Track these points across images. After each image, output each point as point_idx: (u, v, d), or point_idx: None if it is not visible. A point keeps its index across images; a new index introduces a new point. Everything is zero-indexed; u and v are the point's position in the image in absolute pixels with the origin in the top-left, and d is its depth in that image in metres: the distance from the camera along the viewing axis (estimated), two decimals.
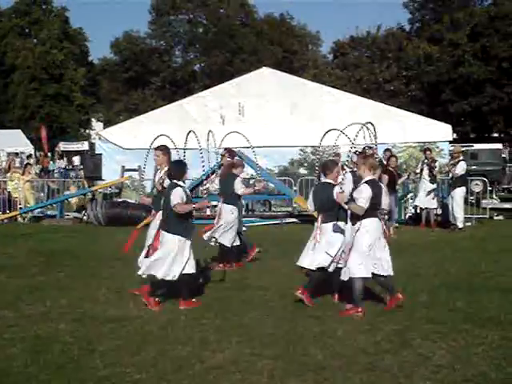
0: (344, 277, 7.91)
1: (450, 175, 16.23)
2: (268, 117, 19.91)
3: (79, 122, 61.33)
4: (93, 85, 63.47)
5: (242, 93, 20.44)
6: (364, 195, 7.79)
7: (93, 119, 66.32)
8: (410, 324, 7.31)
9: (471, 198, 18.80)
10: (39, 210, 19.17)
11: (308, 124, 19.29)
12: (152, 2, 64.82)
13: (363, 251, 7.78)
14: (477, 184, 20.75)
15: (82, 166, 33.27)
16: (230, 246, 11.01)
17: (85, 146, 47.26)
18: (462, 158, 16.41)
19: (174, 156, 9.83)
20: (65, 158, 41.78)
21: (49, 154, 39.41)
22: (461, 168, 15.88)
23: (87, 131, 64.68)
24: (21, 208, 19.01)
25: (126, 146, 19.72)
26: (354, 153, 10.30)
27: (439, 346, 6.51)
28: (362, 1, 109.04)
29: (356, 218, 7.89)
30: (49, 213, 19.30)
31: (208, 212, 16.97)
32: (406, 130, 19.55)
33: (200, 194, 16.59)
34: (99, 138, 22.19)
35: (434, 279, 9.87)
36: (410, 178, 17.88)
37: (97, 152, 21.84)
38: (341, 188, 8.20)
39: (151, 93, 62.49)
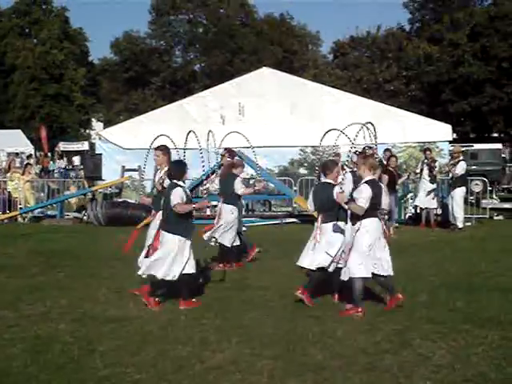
0: (344, 277, 7.92)
1: (450, 175, 16.23)
2: (268, 117, 19.92)
3: (79, 122, 61.34)
4: (93, 85, 63.47)
5: (242, 93, 20.45)
6: (364, 195, 7.79)
7: (93, 119, 66.34)
8: (410, 324, 7.31)
9: (471, 197, 18.80)
10: (39, 210, 19.17)
11: (308, 124, 19.30)
12: (152, 1, 64.87)
13: (363, 251, 7.78)
14: (477, 184, 20.76)
15: (82, 166, 33.30)
16: (230, 246, 11.01)
17: (85, 146, 47.29)
18: (461, 157, 16.41)
19: (174, 156, 9.83)
20: (65, 158, 41.78)
21: (49, 154, 39.43)
22: (461, 168, 15.88)
23: (87, 131, 64.69)
24: (21, 208, 19.01)
25: (126, 146, 19.72)
26: (354, 153, 10.30)
27: (439, 346, 6.52)
28: (362, 1, 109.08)
29: (356, 218, 7.89)
30: (49, 213, 19.30)
31: (208, 212, 16.98)
32: (406, 129, 19.56)
33: (200, 194, 16.59)
34: (99, 138, 22.20)
35: (433, 279, 9.87)
36: (410, 178, 17.88)
37: (97, 152, 21.84)
38: (341, 188, 8.20)
39: (151, 93, 62.49)
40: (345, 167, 10.59)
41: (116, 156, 20.22)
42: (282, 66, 49.76)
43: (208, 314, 7.78)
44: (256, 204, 19.91)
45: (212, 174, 13.47)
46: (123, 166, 19.16)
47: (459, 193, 15.84)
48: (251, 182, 16.79)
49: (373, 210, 7.83)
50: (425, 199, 16.69)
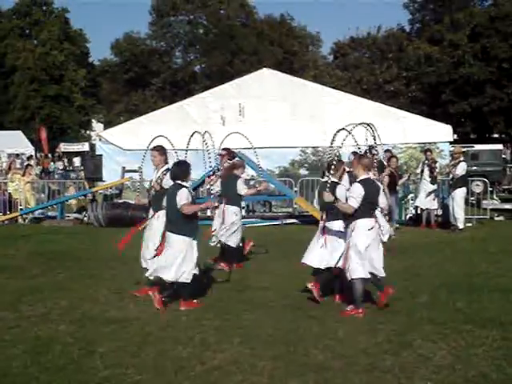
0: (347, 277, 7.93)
1: (451, 176, 16.22)
2: (268, 117, 19.91)
3: (79, 123, 61.38)
4: (93, 86, 63.52)
5: (242, 94, 20.43)
6: (354, 194, 7.81)
7: (93, 120, 66.39)
8: (411, 325, 7.31)
9: (472, 198, 18.79)
10: (40, 211, 19.17)
11: (308, 125, 19.29)
12: (152, 3, 64.91)
13: (360, 252, 7.78)
14: (477, 185, 20.74)
15: (82, 167, 33.30)
16: (235, 246, 11.04)
17: (85, 147, 47.32)
18: (462, 158, 16.40)
19: (172, 157, 9.86)
20: (64, 159, 41.77)
21: (49, 155, 39.44)
22: (461, 169, 15.86)
23: (88, 132, 64.74)
24: (21, 209, 19.01)
25: (127, 146, 19.71)
26: (352, 153, 10.30)
27: (440, 347, 6.52)
28: (362, 1, 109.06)
29: (352, 218, 7.90)
30: (49, 214, 19.30)
31: (208, 213, 16.96)
32: (407, 130, 19.53)
33: (200, 194, 16.58)
34: (100, 139, 22.16)
35: (434, 280, 9.87)
36: (411, 179, 17.87)
37: (97, 153, 21.82)
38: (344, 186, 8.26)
39: (151, 94, 62.49)
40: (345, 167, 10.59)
41: (116, 157, 20.20)
42: (282, 66, 49.75)
43: (208, 314, 7.78)
44: (256, 205, 19.89)
45: (212, 174, 13.45)
46: (123, 167, 19.15)
47: (460, 193, 15.83)
48: (251, 182, 16.80)
49: (368, 209, 7.83)
50: (425, 200, 16.68)
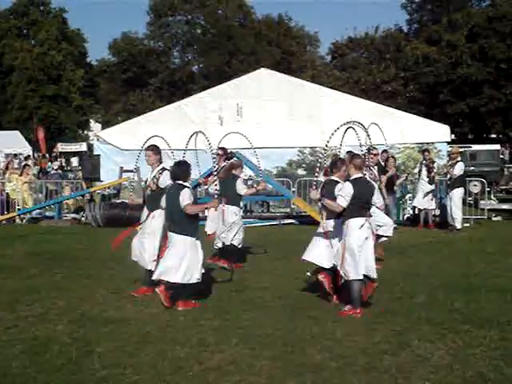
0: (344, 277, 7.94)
1: (448, 176, 16.24)
2: (266, 118, 19.92)
3: (77, 123, 61.30)
4: (91, 86, 63.44)
5: (240, 94, 20.44)
6: (343, 193, 7.85)
7: (91, 120, 66.31)
8: (409, 325, 7.31)
9: (469, 198, 18.81)
10: (37, 211, 19.15)
11: (306, 125, 19.30)
12: (150, 3, 64.86)
13: (355, 253, 7.79)
14: (475, 185, 20.77)
15: (80, 167, 33.26)
16: (238, 246, 11.09)
17: (83, 147, 47.26)
18: (459, 158, 16.41)
19: (165, 157, 9.89)
20: (59, 160, 41.69)
21: (47, 155, 39.38)
22: (459, 169, 15.87)
23: (85, 132, 64.68)
24: (19, 209, 18.99)
25: (125, 147, 19.71)
26: (347, 152, 10.32)
27: (438, 347, 6.52)
28: (360, 2, 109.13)
29: (345, 218, 7.91)
30: (47, 214, 19.28)
31: (206, 212, 16.94)
32: (404, 130, 19.54)
33: (198, 195, 16.58)
34: (97, 139, 22.16)
35: (432, 280, 9.88)
36: (408, 179, 17.88)
37: (95, 153, 21.83)
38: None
39: (149, 94, 62.43)
40: None
41: (114, 157, 20.20)
42: (280, 66, 49.77)
43: (207, 314, 7.77)
44: (254, 205, 19.90)
45: (209, 175, 13.43)
46: (121, 167, 19.14)
47: (457, 194, 15.84)
48: (249, 182, 16.80)
49: (360, 209, 7.83)
50: (423, 200, 16.70)
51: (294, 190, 18.66)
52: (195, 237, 8.15)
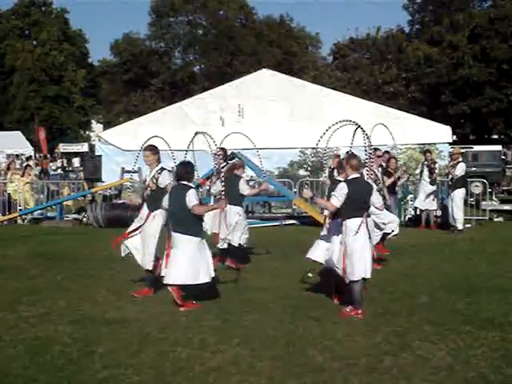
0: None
1: (450, 177, 16.23)
2: (267, 118, 19.93)
3: (79, 124, 61.37)
4: (92, 86, 63.54)
5: (241, 94, 20.45)
6: (337, 193, 7.86)
7: (92, 121, 66.38)
8: (410, 325, 7.31)
9: (471, 199, 18.81)
10: (39, 211, 19.16)
11: (307, 125, 19.30)
12: (152, 3, 64.91)
13: (353, 252, 7.79)
14: (476, 186, 20.76)
15: (81, 168, 33.26)
16: (244, 245, 11.19)
17: (84, 147, 47.29)
18: (461, 159, 16.40)
19: (165, 157, 9.93)
20: (60, 160, 41.73)
21: (48, 156, 39.42)
22: (460, 169, 15.87)
23: (87, 133, 64.73)
24: (20, 210, 19.00)
25: (126, 147, 19.71)
26: (346, 153, 10.33)
27: (439, 348, 6.51)
28: (361, 2, 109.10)
29: (342, 218, 7.92)
30: (48, 214, 19.29)
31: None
32: (406, 131, 19.53)
33: (200, 195, 16.56)
34: (99, 140, 22.18)
35: (433, 281, 9.87)
36: (410, 180, 17.88)
37: (96, 154, 21.83)
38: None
39: (151, 94, 62.44)
40: None
41: (115, 157, 20.22)
42: (281, 67, 49.75)
43: (208, 315, 7.77)
44: (256, 205, 19.91)
45: (210, 176, 13.43)
46: (123, 168, 19.14)
47: (459, 194, 15.83)
48: (251, 183, 16.80)
49: (356, 209, 7.83)
50: (425, 201, 16.70)
51: (295, 190, 18.66)
52: (200, 237, 8.16)
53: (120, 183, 19.24)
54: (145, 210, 9.07)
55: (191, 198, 7.99)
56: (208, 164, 13.24)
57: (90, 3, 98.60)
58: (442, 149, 19.91)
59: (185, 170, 8.32)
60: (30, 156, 38.52)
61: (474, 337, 6.87)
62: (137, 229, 9.08)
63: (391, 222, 10.84)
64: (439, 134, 20.06)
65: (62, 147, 46.82)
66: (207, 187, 13.21)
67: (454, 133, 23.84)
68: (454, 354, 6.32)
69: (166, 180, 8.90)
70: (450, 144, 20.41)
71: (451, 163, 16.49)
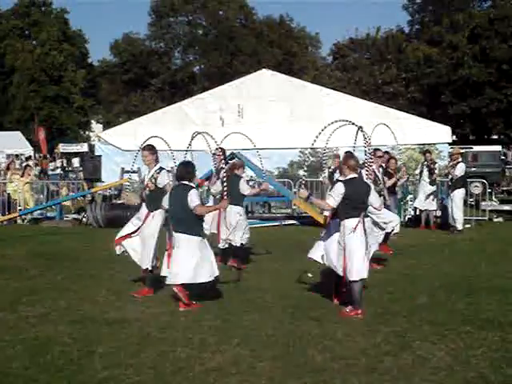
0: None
1: (450, 177, 16.24)
2: (267, 118, 19.93)
3: (79, 124, 61.34)
4: (92, 86, 63.50)
5: (241, 95, 20.46)
6: (333, 193, 7.90)
7: (92, 121, 66.35)
8: (410, 326, 7.31)
9: (470, 199, 18.82)
10: (39, 211, 19.16)
11: (307, 126, 19.29)
12: (152, 3, 64.89)
13: (352, 252, 7.79)
14: (476, 186, 20.77)
15: (81, 168, 33.23)
16: (245, 245, 11.23)
17: (84, 147, 47.25)
18: (460, 159, 16.41)
19: (165, 157, 9.94)
20: (59, 160, 41.70)
21: (48, 156, 39.41)
22: (460, 169, 15.88)
23: (87, 133, 64.70)
24: (20, 210, 19.00)
25: (126, 147, 19.71)
26: (345, 153, 10.33)
27: (439, 348, 6.52)
28: (361, 3, 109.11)
29: (340, 218, 7.93)
30: (48, 214, 19.29)
31: None
32: (406, 131, 19.51)
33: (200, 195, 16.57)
34: (99, 140, 22.19)
35: (433, 281, 9.88)
36: (410, 180, 17.89)
37: (96, 154, 21.84)
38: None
39: (150, 94, 62.41)
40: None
41: (115, 158, 20.23)
42: (281, 67, 49.76)
43: (207, 315, 7.77)
44: (255, 206, 19.91)
45: (210, 177, 13.43)
46: (122, 168, 19.14)
47: (458, 195, 15.84)
48: (250, 183, 16.80)
49: (353, 209, 7.84)
50: (424, 201, 16.71)
51: (295, 190, 18.66)
52: (201, 236, 8.17)
53: (119, 183, 19.23)
54: (144, 211, 9.07)
55: (193, 198, 7.99)
56: (208, 164, 13.25)
57: (89, 3, 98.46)
58: (441, 149, 19.92)
59: (185, 170, 8.33)
60: (30, 156, 38.52)
61: (474, 337, 6.87)
62: (136, 230, 9.08)
63: (392, 221, 10.84)
64: (439, 134, 20.07)
65: (62, 147, 46.78)
66: (206, 187, 13.22)
67: (453, 133, 23.87)
68: (453, 354, 6.33)
69: (164, 180, 8.90)
70: (449, 144, 20.42)
71: (451, 163, 16.50)
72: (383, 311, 7.96)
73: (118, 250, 9.23)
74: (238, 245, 11.09)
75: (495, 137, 48.80)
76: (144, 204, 9.11)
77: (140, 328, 7.25)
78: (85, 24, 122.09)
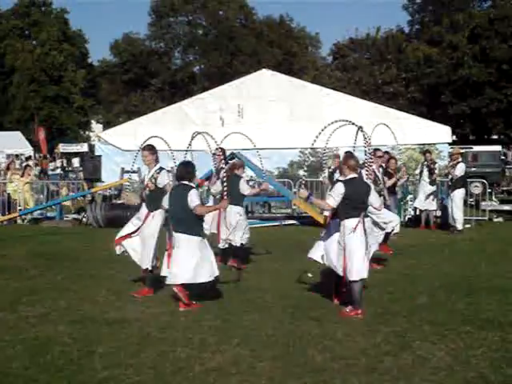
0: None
1: (450, 177, 16.24)
2: (267, 118, 19.94)
3: (79, 124, 61.34)
4: (92, 86, 63.49)
5: (241, 95, 20.46)
6: (333, 193, 7.92)
7: (92, 121, 66.35)
8: (410, 326, 7.31)
9: (470, 199, 18.82)
10: (39, 211, 19.16)
11: (307, 126, 19.30)
12: (152, 3, 64.89)
13: (351, 252, 7.80)
14: (476, 186, 20.77)
15: (81, 168, 33.24)
16: (248, 244, 11.30)
17: (84, 147, 47.27)
18: (460, 159, 16.41)
19: (165, 157, 9.93)
20: (59, 160, 41.71)
21: (48, 156, 39.42)
22: (460, 169, 15.88)
23: (87, 133, 64.70)
24: (20, 210, 19.00)
25: (126, 147, 19.72)
26: (345, 153, 10.33)
27: (439, 348, 6.51)
28: (361, 3, 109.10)
29: (340, 218, 7.94)
30: (48, 214, 19.29)
31: None
32: (406, 131, 19.51)
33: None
34: (99, 140, 22.20)
35: (433, 281, 9.88)
36: (410, 180, 17.89)
37: (96, 154, 21.85)
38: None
39: (150, 94, 62.42)
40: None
41: (115, 158, 20.23)
42: (281, 67, 49.77)
43: (207, 315, 7.77)
44: (255, 206, 19.91)
45: (210, 177, 13.43)
46: (122, 168, 19.14)
47: (458, 194, 15.84)
48: (250, 183, 16.80)
49: (353, 209, 7.84)
50: (424, 201, 16.71)
51: (295, 190, 18.66)
52: (201, 236, 8.18)
53: (120, 183, 19.24)
54: (144, 211, 9.07)
55: (193, 198, 8.00)
56: (208, 164, 13.25)
57: (89, 3, 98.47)
58: (441, 149, 19.92)
59: (185, 170, 8.33)
60: (30, 156, 38.52)
61: (474, 337, 6.87)
62: (136, 230, 9.08)
63: (392, 221, 10.84)
64: (439, 134, 20.07)
65: (62, 147, 46.79)
66: (206, 187, 13.22)
67: (453, 133, 23.86)
68: (453, 354, 6.33)
69: (164, 180, 8.91)
70: (449, 144, 20.42)
71: (451, 163, 16.50)
72: (383, 311, 7.96)
73: (118, 250, 9.24)
74: (238, 245, 11.10)
75: (495, 137, 48.80)
76: (144, 204, 9.11)
77: (140, 328, 7.25)
78: (85, 24, 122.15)
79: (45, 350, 6.48)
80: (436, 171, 16.66)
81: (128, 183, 19.20)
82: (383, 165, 13.22)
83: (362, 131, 8.86)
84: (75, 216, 19.01)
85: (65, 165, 40.80)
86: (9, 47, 58.17)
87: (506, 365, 6.02)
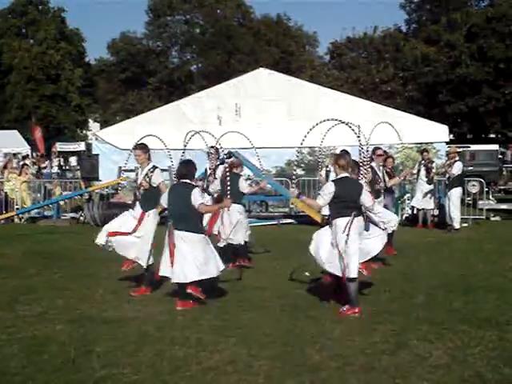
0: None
1: (447, 176, 16.26)
2: (265, 117, 19.93)
3: (76, 123, 61.25)
4: (89, 85, 63.36)
5: (238, 93, 20.45)
6: (322, 192, 7.94)
7: (90, 120, 66.25)
8: (407, 325, 7.31)
9: (468, 198, 18.82)
10: (36, 210, 19.14)
11: (305, 125, 19.22)
12: (149, 2, 64.83)
13: (345, 251, 7.79)
14: (473, 185, 20.78)
15: (78, 167, 33.21)
16: (249, 241, 11.32)
17: (81, 146, 47.22)
18: (457, 158, 16.42)
19: (164, 156, 9.92)
20: (57, 159, 41.64)
21: (45, 155, 39.36)
22: (457, 168, 15.89)
23: (84, 132, 64.62)
24: (17, 209, 18.98)
25: (123, 146, 19.68)
26: (341, 151, 10.33)
27: (436, 347, 6.52)
28: (358, 2, 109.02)
29: (332, 217, 7.95)
30: (46, 213, 19.28)
31: None
32: (403, 130, 19.43)
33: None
34: (96, 139, 22.18)
35: (430, 280, 9.88)
36: (407, 179, 17.89)
37: (94, 152, 21.85)
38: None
39: (148, 93, 62.37)
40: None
41: (112, 156, 20.21)
42: (278, 66, 49.75)
43: (205, 314, 7.77)
44: (253, 204, 19.91)
45: (202, 178, 13.42)
46: (120, 167, 19.11)
47: (456, 193, 15.86)
48: (248, 182, 16.80)
49: (344, 208, 7.84)
50: (422, 200, 16.72)
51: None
52: (202, 233, 8.18)
53: (117, 182, 19.22)
54: (138, 210, 9.05)
55: (196, 197, 8.01)
56: (205, 163, 13.25)
57: (86, 2, 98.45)
58: (439, 148, 19.91)
59: (186, 169, 8.33)
60: (27, 155, 38.45)
61: (472, 336, 6.88)
62: (132, 232, 9.05)
63: (391, 221, 10.82)
64: (436, 133, 20.07)
65: (59, 146, 46.73)
66: (200, 187, 13.20)
67: (451, 132, 23.87)
68: (451, 353, 6.33)
69: (159, 178, 8.90)
70: (447, 143, 20.41)
71: (448, 162, 16.50)
72: (381, 310, 7.96)
73: (103, 241, 9.18)
74: (242, 243, 11.11)
75: (493, 136, 48.85)
76: (138, 203, 9.10)
77: (137, 327, 7.25)
78: (82, 23, 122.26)
79: (42, 349, 6.47)
80: (433, 170, 16.67)
81: (125, 182, 19.22)
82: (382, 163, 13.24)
83: (351, 129, 8.85)
84: (72, 215, 18.99)
85: (62, 164, 40.76)
86: (6, 46, 58.05)
87: (503, 364, 6.03)
